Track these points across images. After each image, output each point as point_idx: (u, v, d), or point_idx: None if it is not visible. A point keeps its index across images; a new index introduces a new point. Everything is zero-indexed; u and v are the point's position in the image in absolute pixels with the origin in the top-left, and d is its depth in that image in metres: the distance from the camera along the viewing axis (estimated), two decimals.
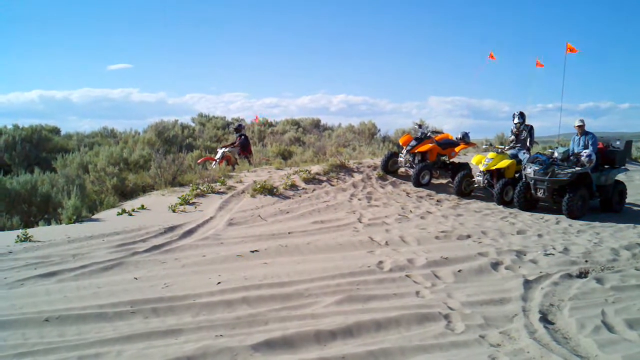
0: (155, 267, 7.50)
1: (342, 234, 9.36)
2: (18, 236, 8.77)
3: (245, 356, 4.67)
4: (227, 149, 16.26)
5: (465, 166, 14.26)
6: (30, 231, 9.14)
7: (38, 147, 18.85)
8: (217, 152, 16.46)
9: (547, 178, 11.54)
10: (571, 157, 11.84)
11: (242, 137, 16.73)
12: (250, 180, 13.11)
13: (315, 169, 14.10)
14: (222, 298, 6.06)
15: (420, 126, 15.47)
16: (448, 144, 14.58)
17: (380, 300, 6.11)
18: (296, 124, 27.79)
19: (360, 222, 10.17)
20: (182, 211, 10.92)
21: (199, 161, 16.25)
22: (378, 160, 15.39)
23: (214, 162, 15.97)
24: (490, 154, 13.24)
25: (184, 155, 16.23)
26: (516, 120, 13.67)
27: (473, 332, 5.28)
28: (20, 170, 14.43)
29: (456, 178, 13.39)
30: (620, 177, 13.19)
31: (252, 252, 8.16)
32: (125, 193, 13.24)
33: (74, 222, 10.28)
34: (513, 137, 13.93)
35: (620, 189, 12.58)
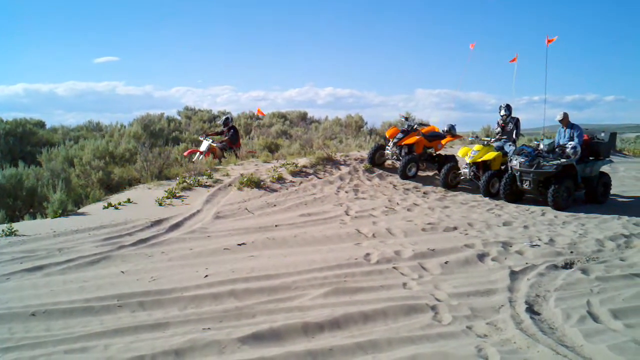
0: (142, 260, 7.48)
1: (329, 227, 9.37)
2: (3, 230, 8.71)
3: (232, 349, 4.67)
4: (212, 141, 15.82)
5: (452, 158, 14.32)
6: (15, 225, 9.08)
7: (23, 141, 18.68)
8: (202, 142, 16.01)
9: (532, 170, 11.60)
10: (556, 149, 11.89)
11: (232, 130, 16.37)
12: (237, 173, 13.08)
13: (302, 161, 14.10)
14: (210, 291, 6.06)
15: (406, 119, 15.47)
16: (434, 137, 14.61)
17: (368, 292, 6.13)
18: (283, 117, 27.75)
19: (347, 215, 10.19)
20: (168, 204, 10.89)
21: (185, 153, 15.94)
22: (365, 153, 15.41)
23: (200, 154, 15.60)
24: (477, 146, 13.28)
25: (170, 149, 16.17)
26: (502, 113, 13.70)
27: (460, 323, 5.31)
28: (4, 164, 14.30)
29: (443, 170, 13.43)
30: (605, 168, 13.29)
31: (239, 245, 8.15)
32: (111, 187, 13.18)
33: (59, 216, 10.23)
34: (499, 129, 13.99)
35: (604, 181, 12.67)
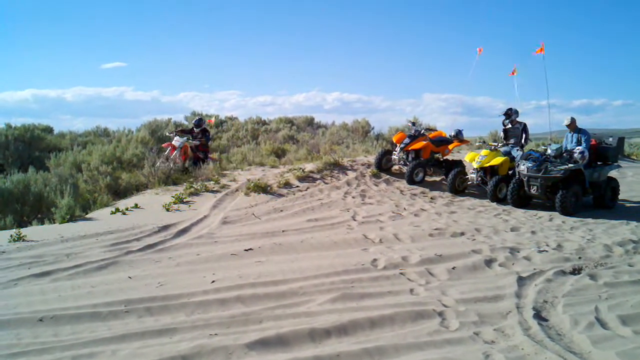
0: (150, 266, 7.49)
1: (336, 232, 9.36)
2: (11, 236, 8.76)
3: (239, 355, 4.67)
4: (187, 139, 15.12)
5: (459, 163, 14.29)
6: (23, 231, 9.13)
7: (31, 147, 18.78)
8: (174, 139, 15.11)
9: (540, 175, 11.56)
10: (564, 154, 11.86)
11: (206, 132, 15.92)
12: (244, 178, 13.11)
13: (309, 167, 14.11)
14: (217, 297, 6.06)
15: (413, 124, 15.45)
16: (442, 142, 14.59)
17: (375, 298, 6.12)
18: (290, 122, 27.71)
19: (355, 220, 10.18)
20: (176, 210, 10.92)
21: (164, 145, 15.44)
22: (372, 158, 15.40)
23: (175, 151, 14.75)
24: (484, 151, 13.26)
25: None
26: (503, 119, 13.86)
27: (467, 329, 5.29)
28: (13, 170, 14.38)
29: (450, 175, 13.42)
30: (613, 173, 13.24)
31: (247, 250, 8.16)
32: (119, 192, 13.21)
33: (67, 222, 10.26)
34: (502, 134, 14.06)
35: (612, 186, 12.62)
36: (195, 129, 15.68)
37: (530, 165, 11.75)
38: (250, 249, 8.21)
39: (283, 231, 9.40)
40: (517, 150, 13.25)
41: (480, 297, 6.22)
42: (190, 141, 15.14)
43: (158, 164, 14.11)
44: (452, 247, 8.30)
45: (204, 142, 15.54)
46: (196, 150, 15.34)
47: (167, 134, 15.94)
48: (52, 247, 8.32)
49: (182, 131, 15.76)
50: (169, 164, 14.15)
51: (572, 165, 11.47)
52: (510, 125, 13.82)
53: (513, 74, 15.24)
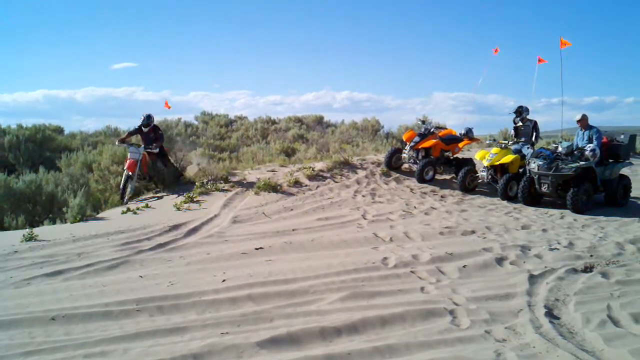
0: (160, 265, 7.52)
1: (347, 231, 9.36)
2: (23, 235, 8.81)
3: (250, 353, 4.68)
4: (143, 147, 12.95)
5: (469, 162, 14.24)
6: (35, 230, 9.18)
7: (42, 147, 18.88)
8: (129, 151, 12.84)
9: (551, 173, 11.51)
10: (575, 152, 11.80)
11: (159, 131, 13.53)
12: (254, 177, 13.12)
13: (319, 165, 14.11)
14: (227, 295, 6.08)
15: (423, 122, 15.41)
16: (452, 140, 14.55)
17: (385, 297, 6.11)
18: (299, 121, 27.73)
19: (365, 219, 10.17)
20: (186, 209, 10.95)
21: (128, 167, 12.59)
22: (382, 157, 15.38)
23: (136, 165, 12.58)
24: (494, 149, 13.22)
25: (186, 153, 16.21)
26: (514, 116, 13.82)
27: (478, 327, 5.27)
28: (24, 170, 14.47)
29: (460, 174, 13.37)
30: (625, 171, 13.15)
31: (257, 249, 8.17)
32: None
33: (78, 221, 10.32)
34: (513, 132, 14.01)
35: (624, 183, 12.54)
36: (143, 128, 13.26)
37: (541, 163, 11.70)
38: (261, 248, 8.22)
39: (293, 230, 9.40)
40: (528, 148, 13.20)
41: (491, 295, 6.20)
42: (148, 149, 13.01)
43: (129, 189, 12.56)
44: (462, 246, 8.27)
45: (160, 144, 13.39)
46: (158, 157, 13.40)
47: (118, 144, 13.74)
48: (63, 246, 8.37)
49: (130, 134, 13.55)
50: (135, 181, 12.73)
51: (583, 163, 11.41)
52: (520, 123, 13.77)
53: (543, 62, 15.16)
